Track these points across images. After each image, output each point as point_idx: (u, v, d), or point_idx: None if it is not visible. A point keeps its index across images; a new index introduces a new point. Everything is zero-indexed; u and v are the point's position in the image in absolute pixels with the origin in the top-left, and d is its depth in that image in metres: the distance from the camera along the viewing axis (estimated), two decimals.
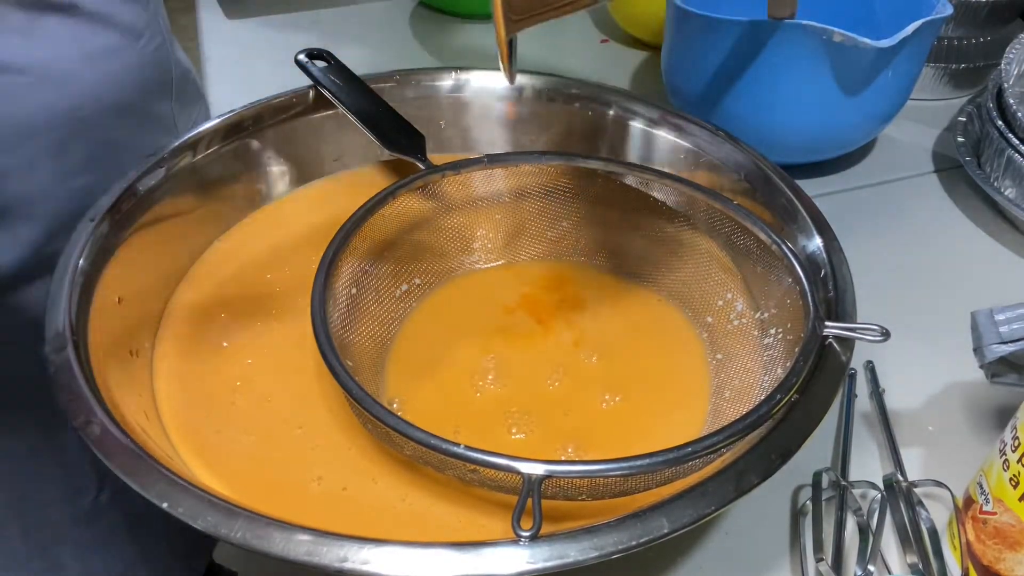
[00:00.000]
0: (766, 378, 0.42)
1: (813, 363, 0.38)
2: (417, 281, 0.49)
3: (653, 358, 0.46)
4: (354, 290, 0.44)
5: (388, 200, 0.46)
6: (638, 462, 0.33)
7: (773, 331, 0.44)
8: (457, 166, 0.49)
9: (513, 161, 0.49)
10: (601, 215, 0.50)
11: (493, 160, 0.49)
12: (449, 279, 0.50)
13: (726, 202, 0.46)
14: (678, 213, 0.48)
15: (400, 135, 0.51)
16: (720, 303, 0.47)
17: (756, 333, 0.45)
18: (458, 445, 0.33)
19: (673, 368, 0.46)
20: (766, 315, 0.45)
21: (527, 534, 0.30)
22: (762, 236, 0.44)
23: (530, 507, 0.31)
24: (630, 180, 0.49)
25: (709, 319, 0.47)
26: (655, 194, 0.49)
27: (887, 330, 0.38)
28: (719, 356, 0.45)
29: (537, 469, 0.32)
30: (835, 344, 0.39)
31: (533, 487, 0.32)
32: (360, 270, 0.45)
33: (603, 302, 0.49)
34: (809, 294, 0.40)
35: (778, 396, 0.36)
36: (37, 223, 0.51)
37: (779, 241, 0.43)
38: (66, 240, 0.42)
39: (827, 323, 0.39)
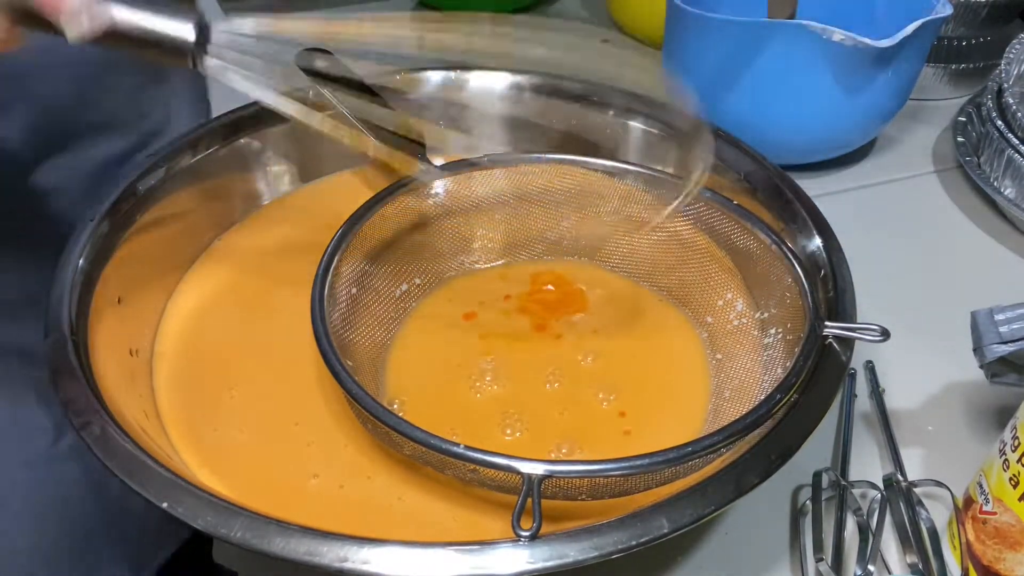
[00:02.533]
0: (766, 378, 0.42)
1: (813, 363, 0.38)
2: (417, 281, 0.49)
3: (652, 358, 0.46)
4: (354, 290, 0.44)
5: (388, 200, 0.46)
6: (638, 462, 0.33)
7: (773, 331, 0.44)
8: (457, 166, 0.48)
9: (513, 161, 0.49)
10: (601, 215, 0.50)
11: (493, 160, 0.49)
12: (449, 279, 0.50)
13: (726, 202, 0.46)
14: (678, 213, 0.48)
15: (400, 135, 0.51)
16: (720, 303, 0.47)
17: (756, 333, 0.45)
18: (458, 445, 0.33)
19: (673, 368, 0.46)
20: (766, 315, 0.45)
21: (527, 534, 0.30)
22: (762, 236, 0.44)
23: (531, 507, 0.31)
24: (630, 180, 0.49)
25: (709, 319, 0.47)
26: (655, 194, 0.49)
27: (887, 330, 0.38)
28: (719, 356, 0.45)
29: (537, 469, 0.32)
30: (835, 344, 0.39)
31: (533, 487, 0.32)
32: (360, 270, 0.45)
33: (603, 302, 0.49)
34: (809, 294, 0.40)
35: (778, 396, 0.36)
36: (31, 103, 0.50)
37: (779, 241, 0.43)
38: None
39: (827, 323, 0.39)
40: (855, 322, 0.40)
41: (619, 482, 0.35)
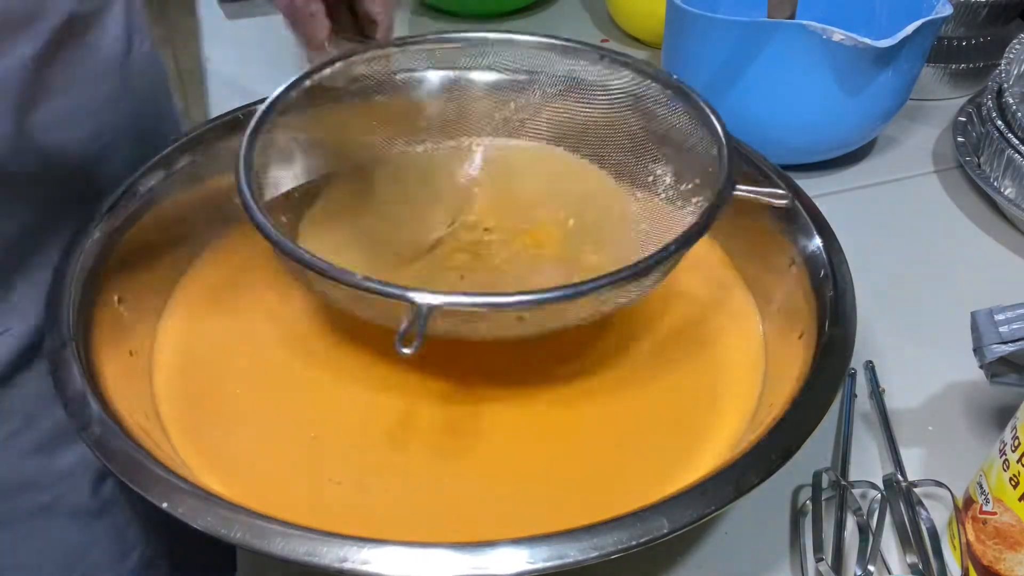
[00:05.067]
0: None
1: (817, 362, 0.38)
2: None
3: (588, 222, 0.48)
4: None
5: (335, 65, 0.46)
6: (526, 297, 0.34)
7: (695, 200, 0.44)
8: (403, 41, 0.48)
9: (460, 42, 0.49)
10: (548, 95, 0.50)
11: (439, 39, 0.49)
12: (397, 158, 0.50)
13: (653, 74, 0.46)
14: (617, 90, 0.48)
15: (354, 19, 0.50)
16: (651, 178, 0.47)
17: (679, 203, 0.46)
18: (355, 275, 0.34)
19: (602, 229, 0.47)
20: (690, 186, 0.45)
21: (408, 351, 0.32)
22: (689, 105, 0.44)
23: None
24: (572, 59, 0.49)
25: (639, 194, 0.48)
26: (593, 74, 0.48)
27: (789, 195, 0.40)
28: (643, 227, 0.46)
29: (428, 299, 0.33)
30: (832, 342, 0.39)
31: (421, 315, 0.33)
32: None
33: (544, 175, 0.50)
34: (726, 159, 0.41)
35: (673, 246, 0.37)
36: None
37: (707, 107, 0.43)
38: None
39: (738, 186, 0.40)
40: (764, 188, 0.41)
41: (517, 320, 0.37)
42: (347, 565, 0.30)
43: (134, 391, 0.41)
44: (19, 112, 0.44)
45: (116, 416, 0.36)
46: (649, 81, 0.47)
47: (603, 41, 0.83)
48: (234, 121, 0.52)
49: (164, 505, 0.32)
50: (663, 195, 0.47)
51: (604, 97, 0.48)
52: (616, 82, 0.48)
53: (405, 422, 0.42)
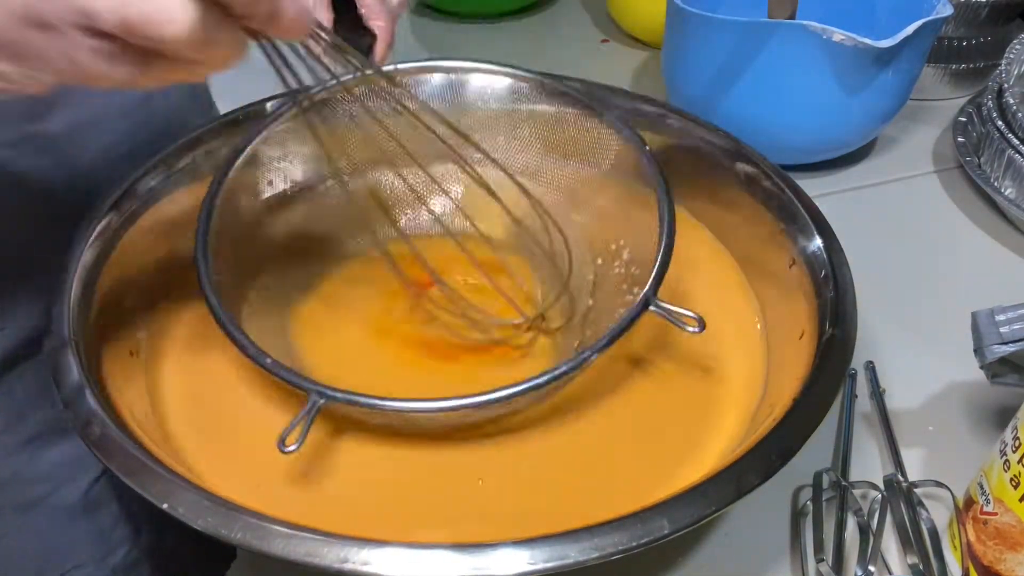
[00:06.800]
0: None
1: (818, 376, 0.38)
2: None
3: None
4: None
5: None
6: (418, 404, 0.36)
7: (636, 290, 0.42)
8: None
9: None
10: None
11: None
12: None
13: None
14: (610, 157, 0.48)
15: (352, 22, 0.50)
16: (613, 247, 0.47)
17: (624, 287, 0.44)
18: (267, 357, 0.37)
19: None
20: (636, 271, 0.44)
21: (292, 448, 0.34)
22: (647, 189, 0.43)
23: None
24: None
25: (599, 260, 0.47)
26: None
27: (704, 321, 0.38)
28: (590, 302, 0.46)
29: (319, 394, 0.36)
30: (834, 343, 0.39)
31: (312, 409, 0.35)
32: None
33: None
34: (658, 265, 0.40)
35: (586, 354, 0.37)
36: None
37: (666, 204, 0.42)
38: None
39: (658, 300, 0.39)
40: (684, 310, 0.39)
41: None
42: (347, 565, 0.30)
43: (134, 391, 0.41)
44: (37, 113, 0.46)
45: (116, 416, 0.36)
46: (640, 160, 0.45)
47: (603, 41, 0.83)
48: (234, 121, 0.52)
49: (164, 505, 0.32)
50: (617, 270, 0.46)
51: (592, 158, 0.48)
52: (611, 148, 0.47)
53: (406, 422, 0.41)
